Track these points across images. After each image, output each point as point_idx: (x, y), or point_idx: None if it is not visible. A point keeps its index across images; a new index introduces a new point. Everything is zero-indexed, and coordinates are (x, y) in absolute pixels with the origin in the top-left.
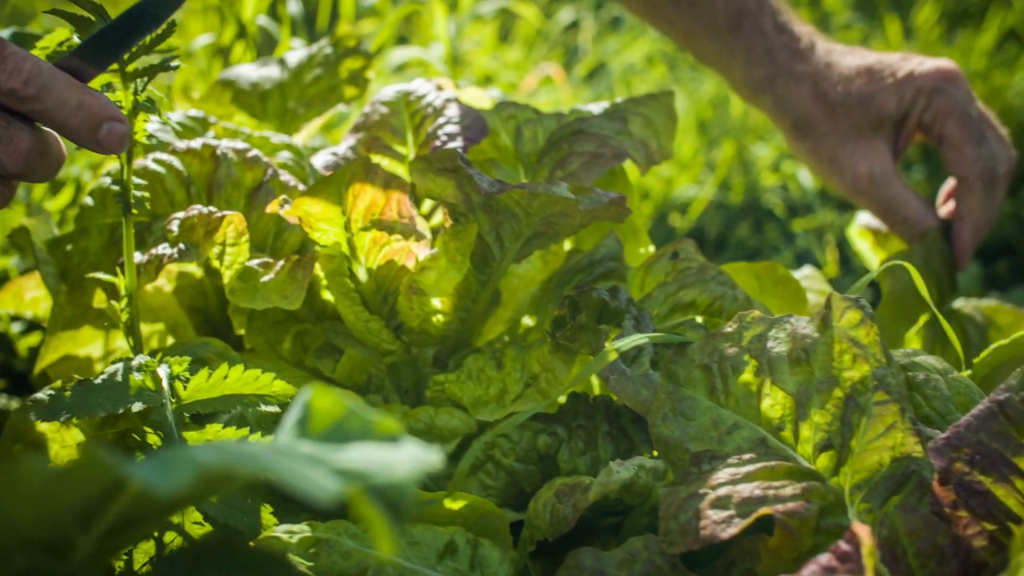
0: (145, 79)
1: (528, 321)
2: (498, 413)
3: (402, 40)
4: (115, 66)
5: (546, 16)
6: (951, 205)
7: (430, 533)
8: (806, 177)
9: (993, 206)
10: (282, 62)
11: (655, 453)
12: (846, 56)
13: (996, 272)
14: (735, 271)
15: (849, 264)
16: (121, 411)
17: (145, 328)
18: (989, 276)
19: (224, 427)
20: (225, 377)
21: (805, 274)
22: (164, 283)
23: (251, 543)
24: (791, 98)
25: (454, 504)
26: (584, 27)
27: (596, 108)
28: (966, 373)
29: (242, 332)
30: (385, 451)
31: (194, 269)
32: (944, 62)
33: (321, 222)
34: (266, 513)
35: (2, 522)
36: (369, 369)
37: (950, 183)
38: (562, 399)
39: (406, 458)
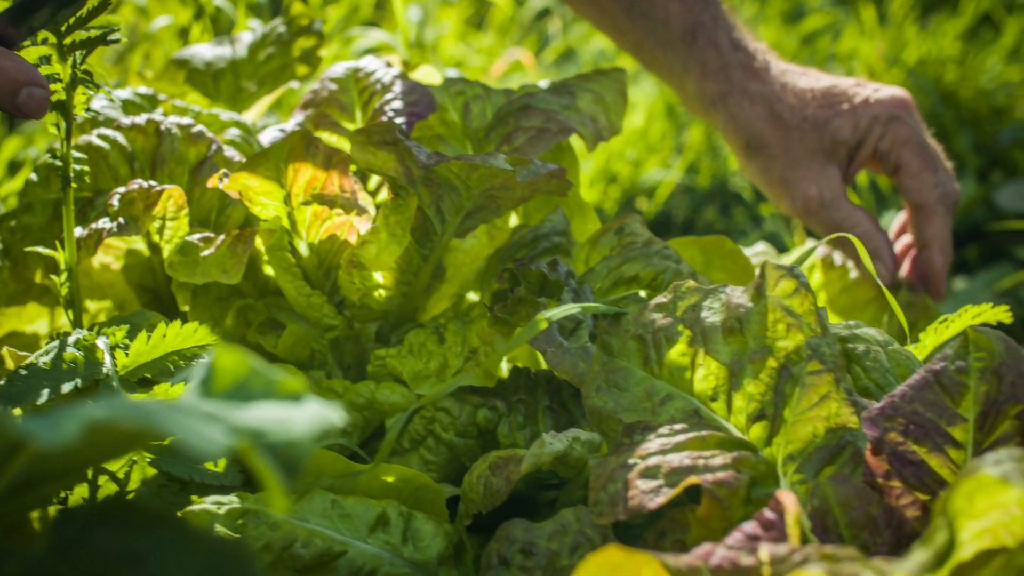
0: (83, 52)
1: (474, 297)
2: (438, 387)
3: (373, 26)
4: (53, 38)
5: (518, 3)
6: (906, 239)
7: (361, 505)
8: None
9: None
10: (237, 41)
11: None
12: (800, 78)
13: (966, 256)
14: (681, 245)
15: None
16: (67, 390)
17: (93, 306)
18: (958, 261)
19: (172, 385)
20: (164, 336)
21: (757, 251)
22: (112, 261)
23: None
24: (744, 117)
25: (387, 476)
26: (556, 14)
27: (545, 84)
28: (911, 347)
29: (187, 309)
30: (285, 410)
31: (142, 247)
32: (898, 91)
33: (260, 196)
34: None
35: None
36: (312, 344)
37: (899, 220)
38: (506, 374)
39: (305, 417)
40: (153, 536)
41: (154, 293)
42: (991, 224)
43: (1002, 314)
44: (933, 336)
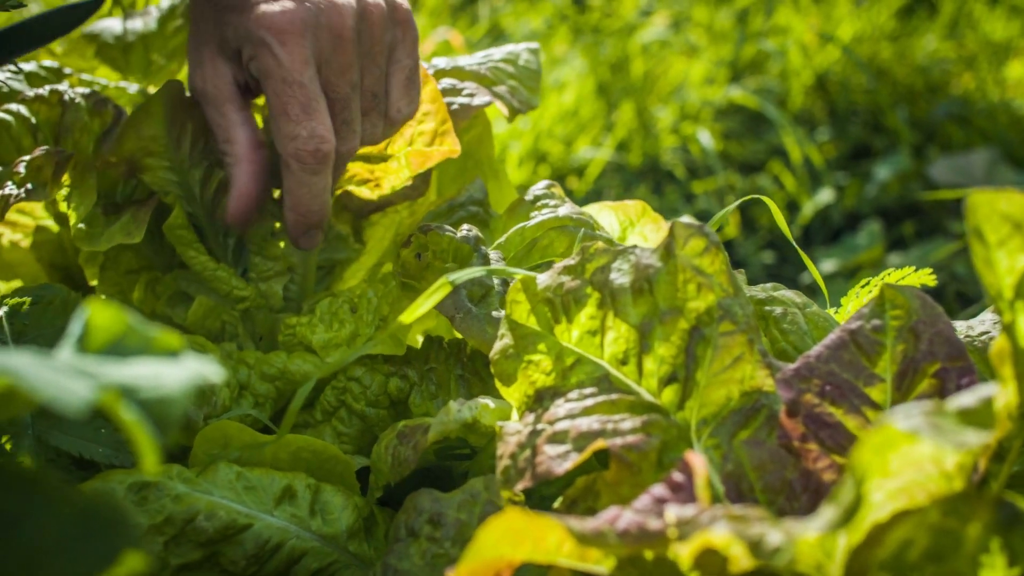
0: None
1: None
2: (348, 356)
3: None
4: None
5: None
6: None
7: (267, 477)
8: (707, 138)
9: (316, 188)
10: (147, 15)
11: None
12: None
13: (902, 232)
14: (600, 210)
15: (752, 226)
16: None
17: (2, 285)
18: (896, 236)
19: None
20: (65, 307)
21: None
22: (21, 238)
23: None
24: None
25: (295, 447)
26: None
27: (465, 60)
28: (831, 311)
29: (95, 284)
30: (160, 366)
31: (52, 223)
32: (295, 12)
33: (148, 159)
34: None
35: None
36: (222, 316)
37: None
38: (417, 343)
39: (180, 373)
40: (26, 499)
41: (66, 271)
42: (927, 197)
43: (926, 277)
44: (855, 301)
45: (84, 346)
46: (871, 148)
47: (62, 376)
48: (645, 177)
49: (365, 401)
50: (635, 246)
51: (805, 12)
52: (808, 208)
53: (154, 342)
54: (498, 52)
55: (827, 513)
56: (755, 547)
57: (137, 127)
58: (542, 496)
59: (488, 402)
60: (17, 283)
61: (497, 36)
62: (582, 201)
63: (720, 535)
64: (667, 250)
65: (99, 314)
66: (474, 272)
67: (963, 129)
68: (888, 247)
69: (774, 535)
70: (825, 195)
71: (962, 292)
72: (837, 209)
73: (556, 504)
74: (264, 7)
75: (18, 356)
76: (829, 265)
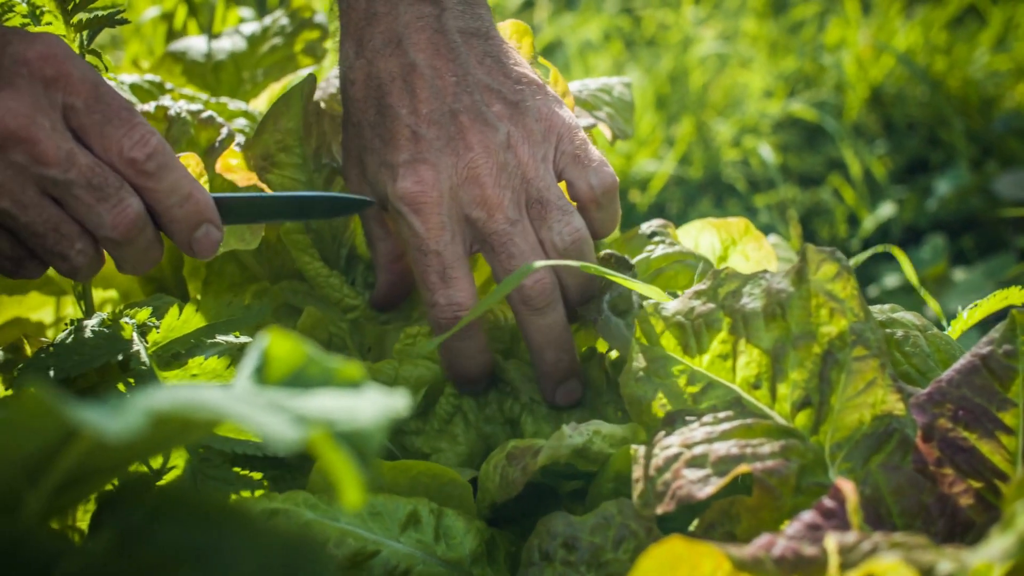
0: (91, 31)
1: None
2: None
3: None
4: (59, 18)
5: None
6: None
7: (391, 503)
8: (767, 152)
9: (467, 352)
10: (235, 34)
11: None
12: None
13: (962, 246)
14: (701, 228)
15: (813, 239)
16: (100, 364)
17: (97, 296)
18: (956, 251)
19: (206, 359)
20: (197, 310)
21: (773, 242)
22: None
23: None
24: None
25: (412, 471)
26: (540, 5)
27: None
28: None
29: (198, 297)
30: (348, 398)
31: None
32: (416, 180)
33: (282, 154)
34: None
35: None
36: (330, 328)
37: None
38: None
39: (371, 404)
40: (217, 530)
41: (159, 283)
42: (990, 212)
43: None
44: (962, 322)
45: (264, 377)
46: (928, 162)
47: (258, 410)
48: (706, 190)
49: (482, 418)
50: (765, 271)
51: (855, 25)
52: (869, 222)
53: (336, 373)
54: (593, 83)
55: (1001, 541)
56: (926, 575)
57: (276, 119)
58: (669, 518)
59: (601, 427)
60: (112, 294)
61: (554, 46)
62: (646, 215)
63: (888, 562)
64: (799, 275)
65: (278, 345)
66: (620, 280)
67: (1023, 143)
68: (950, 261)
69: (945, 563)
70: (887, 209)
71: None
72: (897, 223)
73: (692, 527)
74: (401, 180)
75: (210, 390)
76: (892, 280)
